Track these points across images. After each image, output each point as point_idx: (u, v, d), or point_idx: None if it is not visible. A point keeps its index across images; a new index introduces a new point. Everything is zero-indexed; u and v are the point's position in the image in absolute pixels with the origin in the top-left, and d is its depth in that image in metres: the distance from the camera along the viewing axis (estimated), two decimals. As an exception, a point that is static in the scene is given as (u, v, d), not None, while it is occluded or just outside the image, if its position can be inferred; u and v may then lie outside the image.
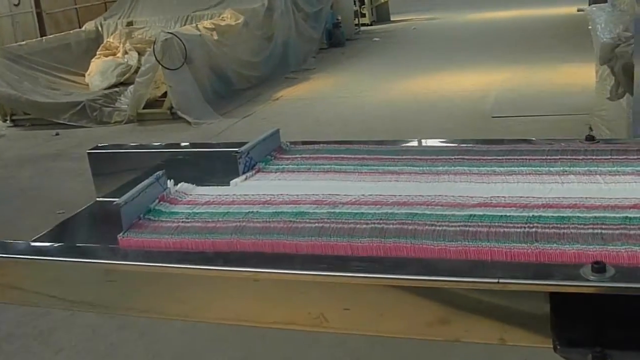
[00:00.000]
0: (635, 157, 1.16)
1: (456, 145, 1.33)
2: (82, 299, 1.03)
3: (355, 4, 13.70)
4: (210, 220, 1.07)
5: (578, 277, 0.79)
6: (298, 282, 0.90)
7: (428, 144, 1.38)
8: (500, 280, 0.80)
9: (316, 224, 1.00)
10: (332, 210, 1.05)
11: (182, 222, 1.07)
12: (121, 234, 1.05)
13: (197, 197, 1.18)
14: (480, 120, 6.67)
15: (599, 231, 0.90)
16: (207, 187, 1.22)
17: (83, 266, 1.01)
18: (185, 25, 7.89)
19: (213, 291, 0.96)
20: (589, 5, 11.21)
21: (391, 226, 0.97)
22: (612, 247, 0.85)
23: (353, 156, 1.31)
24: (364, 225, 0.98)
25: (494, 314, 0.86)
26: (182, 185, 1.21)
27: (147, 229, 1.06)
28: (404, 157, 1.28)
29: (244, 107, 7.98)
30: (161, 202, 1.15)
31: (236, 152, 1.28)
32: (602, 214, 0.94)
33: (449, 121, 6.73)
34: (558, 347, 0.83)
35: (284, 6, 9.64)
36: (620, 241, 0.86)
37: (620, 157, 1.17)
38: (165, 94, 7.01)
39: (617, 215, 0.94)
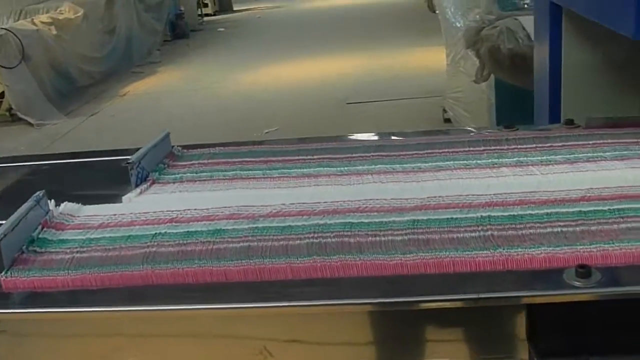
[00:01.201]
0: (560, 144, 1.12)
1: (368, 140, 1.23)
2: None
3: (197, -7, 13.41)
4: (111, 247, 0.90)
5: (563, 285, 0.71)
6: (238, 316, 0.77)
7: (337, 141, 1.27)
8: (481, 296, 0.71)
9: (241, 244, 0.86)
10: (254, 225, 0.91)
11: (77, 252, 0.90)
12: (3, 273, 0.86)
13: (87, 219, 1.00)
14: (335, 107, 6.69)
15: (559, 230, 0.83)
16: (96, 206, 1.05)
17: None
18: (19, 20, 7.33)
19: (129, 335, 0.80)
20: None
21: (329, 240, 0.85)
22: (581, 247, 0.78)
23: (257, 159, 1.18)
24: (298, 241, 0.85)
25: (461, 330, 0.76)
26: (66, 206, 1.03)
27: (35, 264, 0.88)
28: (315, 157, 1.16)
29: (90, 104, 7.56)
30: (45, 229, 0.96)
31: (128, 161, 1.11)
32: (554, 210, 0.88)
33: (305, 109, 6.71)
34: (535, 358, 0.75)
35: (124, -3, 9.24)
36: (587, 240, 0.80)
37: (546, 146, 1.11)
38: (2, 95, 6.48)
39: (570, 210, 0.88)
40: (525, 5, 3.10)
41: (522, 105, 3.44)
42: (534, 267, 0.77)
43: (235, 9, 15.47)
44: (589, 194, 0.92)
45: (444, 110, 5.52)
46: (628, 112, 1.32)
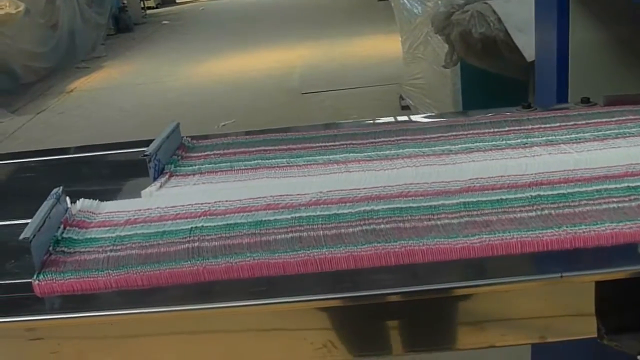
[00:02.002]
0: (584, 122, 1.11)
1: (385, 124, 1.20)
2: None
3: (138, -14, 13.19)
4: (147, 244, 0.85)
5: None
6: (297, 310, 0.73)
7: (352, 126, 1.24)
8: (563, 275, 0.69)
9: (290, 234, 0.83)
10: (297, 215, 0.88)
11: (111, 250, 0.85)
12: (35, 276, 0.81)
13: (110, 215, 0.95)
14: (291, 97, 6.66)
15: (615, 206, 0.82)
16: (117, 202, 1.00)
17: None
18: (-42, 16, 7.09)
19: (189, 334, 0.75)
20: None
21: (383, 226, 0.82)
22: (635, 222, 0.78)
23: (277, 147, 1.14)
24: (350, 229, 0.82)
25: (530, 311, 0.75)
26: (84, 203, 0.97)
27: (67, 265, 0.83)
28: (337, 143, 1.13)
29: (36, 101, 7.37)
30: (68, 228, 0.91)
31: (144, 154, 1.06)
32: (602, 187, 0.87)
33: (260, 100, 6.66)
34: (605, 335, 0.74)
35: (65, -9, 9.01)
36: (634, 216, 0.79)
37: (570, 124, 1.11)
38: (-56, 94, 6.27)
39: (618, 185, 0.87)
40: (492, -11, 3.12)
41: (488, 89, 3.48)
42: (602, 243, 0.75)
43: (177, 1, 15.28)
44: (631, 170, 0.91)
45: (401, 98, 5.53)
46: (636, 89, 1.33)
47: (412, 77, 4.98)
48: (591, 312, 0.75)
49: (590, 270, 0.71)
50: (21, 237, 0.81)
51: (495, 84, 3.32)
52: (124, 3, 11.70)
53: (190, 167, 1.10)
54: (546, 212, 0.82)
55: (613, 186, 0.87)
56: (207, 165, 1.10)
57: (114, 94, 7.61)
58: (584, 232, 0.77)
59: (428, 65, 4.42)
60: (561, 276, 0.69)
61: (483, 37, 2.70)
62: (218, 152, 1.15)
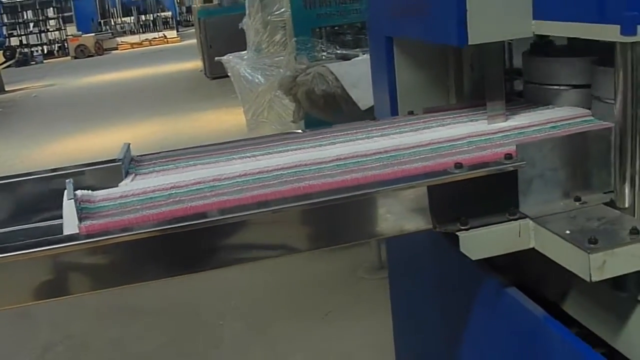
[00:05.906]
0: (404, 123, 1.73)
1: (284, 135, 1.77)
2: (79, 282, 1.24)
3: (-34, 76, 13.00)
4: (142, 203, 1.33)
5: (449, 173, 1.30)
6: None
7: (255, 139, 1.77)
8: (394, 186, 1.28)
9: (236, 188, 1.35)
10: (235, 181, 1.40)
11: (121, 209, 1.31)
12: (79, 223, 1.25)
13: (106, 195, 1.40)
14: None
15: (423, 156, 1.42)
16: (103, 190, 1.45)
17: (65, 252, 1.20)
18: None
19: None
20: (204, 61, 12.17)
21: (292, 178, 1.37)
22: (440, 159, 1.37)
23: (204, 154, 1.65)
24: (270, 182, 1.36)
25: (393, 213, 1.31)
26: (82, 192, 1.42)
27: (96, 217, 1.28)
28: (246, 147, 1.66)
29: None
30: (81, 203, 1.36)
31: (118, 158, 1.53)
32: (418, 149, 1.47)
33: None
34: (437, 225, 1.32)
35: None
36: (438, 159, 1.39)
37: (395, 125, 1.72)
38: None
39: (425, 149, 1.47)
40: (324, 57, 3.83)
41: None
42: (418, 173, 1.34)
43: (7, 89, 15.13)
44: (432, 141, 1.53)
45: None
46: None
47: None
48: (428, 211, 1.32)
49: (422, 180, 1.30)
50: (67, 198, 1.27)
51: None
52: (-46, 93, 11.54)
53: (147, 170, 1.58)
54: (390, 162, 1.40)
55: (420, 149, 1.47)
56: (158, 168, 1.59)
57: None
58: (410, 168, 1.35)
59: (273, 127, 5.05)
60: (406, 186, 1.28)
61: (324, 94, 3.34)
62: (162, 160, 1.64)
